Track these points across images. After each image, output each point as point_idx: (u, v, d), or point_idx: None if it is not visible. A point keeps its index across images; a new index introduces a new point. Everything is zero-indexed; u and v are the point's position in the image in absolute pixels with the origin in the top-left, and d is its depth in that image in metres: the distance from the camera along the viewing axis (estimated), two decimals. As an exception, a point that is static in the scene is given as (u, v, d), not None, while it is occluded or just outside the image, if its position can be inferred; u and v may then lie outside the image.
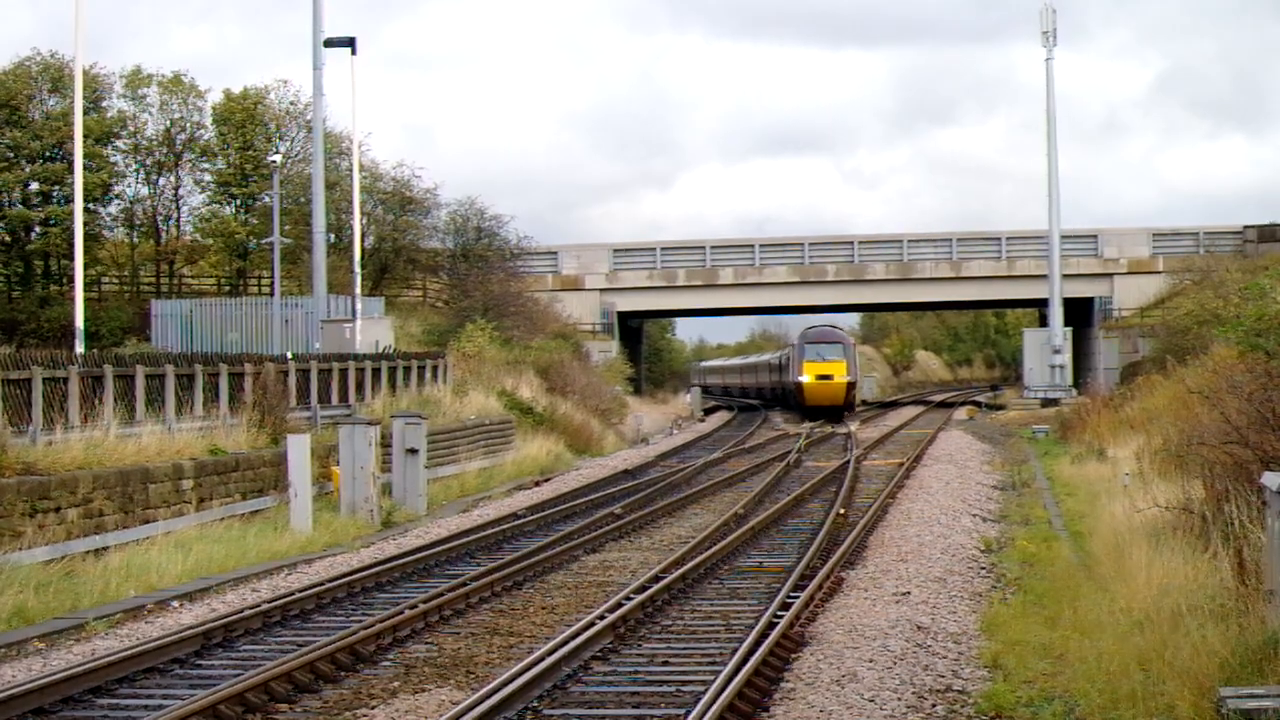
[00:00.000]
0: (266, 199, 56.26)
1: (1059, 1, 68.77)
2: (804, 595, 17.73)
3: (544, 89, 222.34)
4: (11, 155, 57.00)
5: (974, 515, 27.16)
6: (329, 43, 44.82)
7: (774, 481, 34.33)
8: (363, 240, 56.96)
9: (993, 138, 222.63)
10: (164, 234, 64.42)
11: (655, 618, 17.51)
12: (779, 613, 16.71)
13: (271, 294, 50.69)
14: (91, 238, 54.81)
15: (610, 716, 13.07)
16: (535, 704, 13.31)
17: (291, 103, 62.43)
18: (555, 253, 74.16)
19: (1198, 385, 25.76)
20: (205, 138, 62.51)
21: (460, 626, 17.47)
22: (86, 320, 37.49)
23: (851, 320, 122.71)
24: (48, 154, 57.05)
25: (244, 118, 60.88)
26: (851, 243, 75.89)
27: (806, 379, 66.76)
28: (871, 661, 14.45)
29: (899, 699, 13.09)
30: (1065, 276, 69.49)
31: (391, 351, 43.92)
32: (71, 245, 39.76)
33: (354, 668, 15.17)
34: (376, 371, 39.15)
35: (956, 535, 24.05)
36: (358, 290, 48.64)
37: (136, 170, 62.74)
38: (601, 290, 73.57)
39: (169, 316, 52.44)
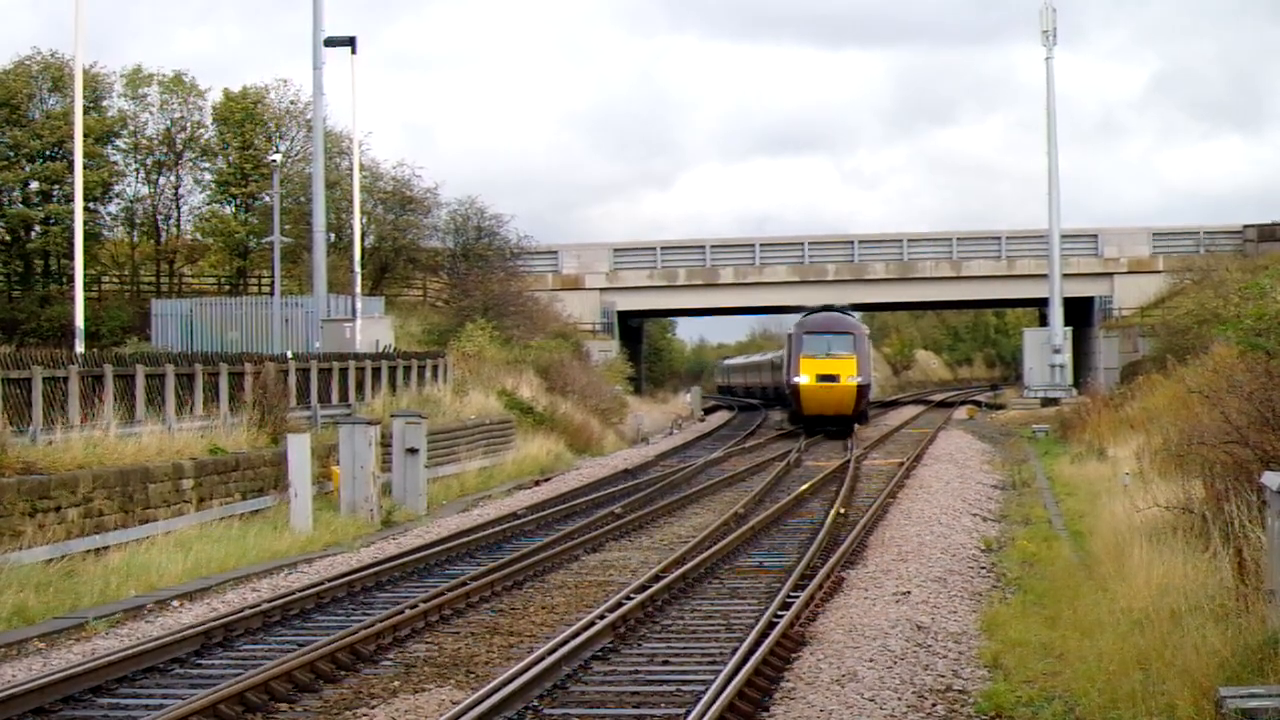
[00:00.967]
0: (266, 198, 56.27)
1: (1058, 1, 68.73)
2: (804, 595, 17.74)
3: (544, 89, 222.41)
4: (12, 154, 57.00)
5: (974, 515, 27.17)
6: (329, 42, 44.83)
7: (774, 481, 34.33)
8: (363, 240, 56.97)
9: (992, 137, 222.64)
10: (164, 233, 64.42)
11: (655, 617, 17.52)
12: (779, 612, 16.71)
13: (271, 293, 50.67)
14: (91, 237, 54.79)
15: (610, 716, 13.07)
16: (535, 703, 13.31)
17: (292, 102, 62.51)
18: (555, 252, 74.15)
19: (1198, 385, 25.76)
20: (205, 137, 62.52)
21: (460, 626, 17.47)
22: (86, 319, 37.47)
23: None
24: (48, 153, 57.05)
25: (244, 117, 60.89)
26: (851, 242, 75.87)
27: (804, 380, 52.93)
28: (872, 661, 14.46)
29: (899, 698, 13.09)
30: (1065, 276, 69.46)
31: (391, 351, 43.93)
32: (71, 244, 39.76)
33: (354, 667, 15.17)
34: (376, 371, 39.15)
35: (957, 535, 24.06)
36: (358, 290, 48.64)
37: (136, 169, 62.78)
38: (601, 290, 73.54)
39: (169, 316, 52.41)
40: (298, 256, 57.57)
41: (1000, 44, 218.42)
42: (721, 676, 13.38)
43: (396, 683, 14.50)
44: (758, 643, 14.84)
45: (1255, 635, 12.44)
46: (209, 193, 62.89)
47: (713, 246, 75.50)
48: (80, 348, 33.81)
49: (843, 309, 59.04)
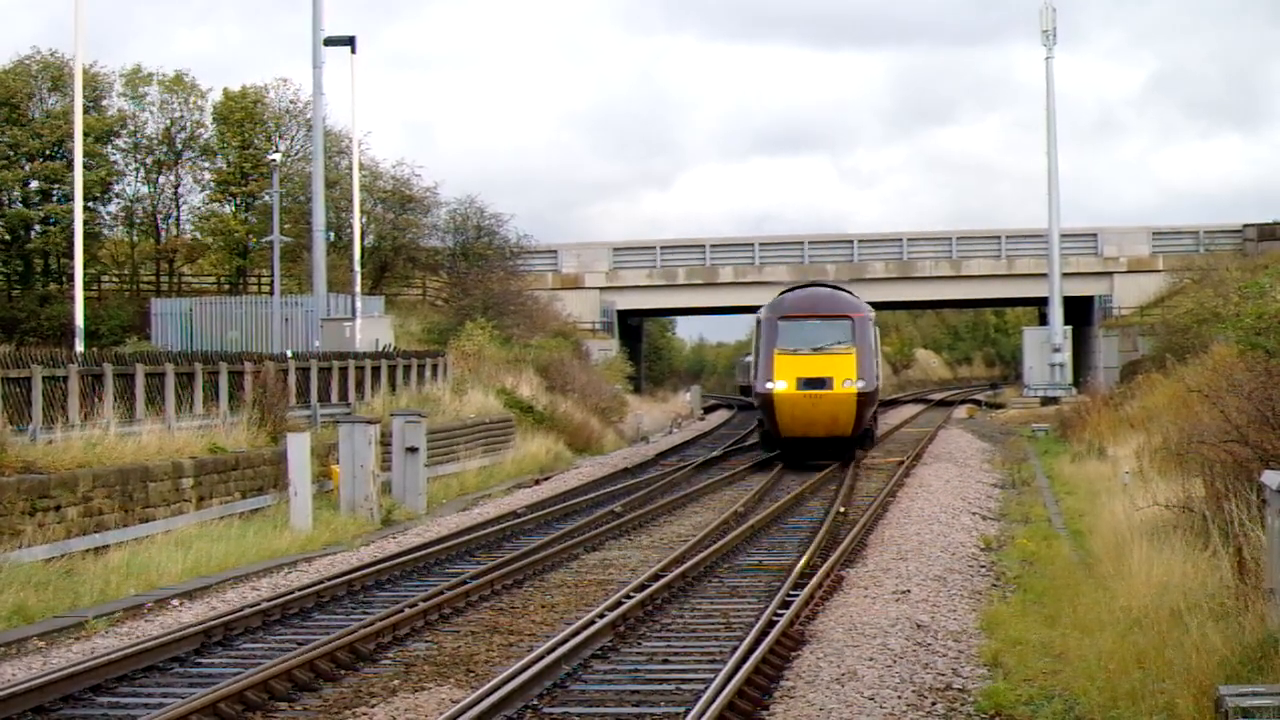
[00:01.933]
0: (266, 198, 56.19)
1: (1057, 1, 68.72)
2: (804, 593, 17.73)
3: (544, 89, 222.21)
4: (11, 153, 56.94)
5: (974, 513, 27.16)
6: (329, 41, 44.84)
7: (774, 479, 34.33)
8: (362, 239, 56.93)
9: (991, 137, 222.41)
10: (164, 233, 64.36)
11: (655, 616, 17.52)
12: (779, 611, 16.71)
13: (271, 292, 50.66)
14: (91, 236, 54.73)
15: (610, 714, 13.07)
16: (535, 702, 13.31)
17: (291, 101, 62.43)
18: (555, 251, 74.17)
19: (1197, 384, 25.79)
20: (205, 137, 62.48)
21: (460, 625, 17.47)
22: (86, 319, 37.48)
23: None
24: (48, 152, 56.99)
25: (244, 116, 60.83)
26: (851, 241, 75.87)
27: (779, 387, 36.67)
28: (871, 660, 14.46)
29: (899, 697, 13.09)
30: (1065, 275, 69.44)
31: (391, 350, 43.93)
32: (71, 244, 39.76)
33: (354, 666, 15.17)
34: (376, 370, 39.15)
35: (956, 533, 24.05)
36: (357, 289, 48.64)
37: (136, 169, 62.70)
38: (601, 289, 73.56)
39: (169, 315, 52.41)
40: (297, 256, 57.55)
41: (999, 44, 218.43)
42: (721, 675, 13.38)
43: (396, 682, 14.49)
44: (757, 641, 14.84)
45: (1255, 634, 12.45)
46: (209, 192, 62.87)
47: (712, 246, 75.50)
48: (80, 347, 33.83)
49: (836, 285, 45.38)
